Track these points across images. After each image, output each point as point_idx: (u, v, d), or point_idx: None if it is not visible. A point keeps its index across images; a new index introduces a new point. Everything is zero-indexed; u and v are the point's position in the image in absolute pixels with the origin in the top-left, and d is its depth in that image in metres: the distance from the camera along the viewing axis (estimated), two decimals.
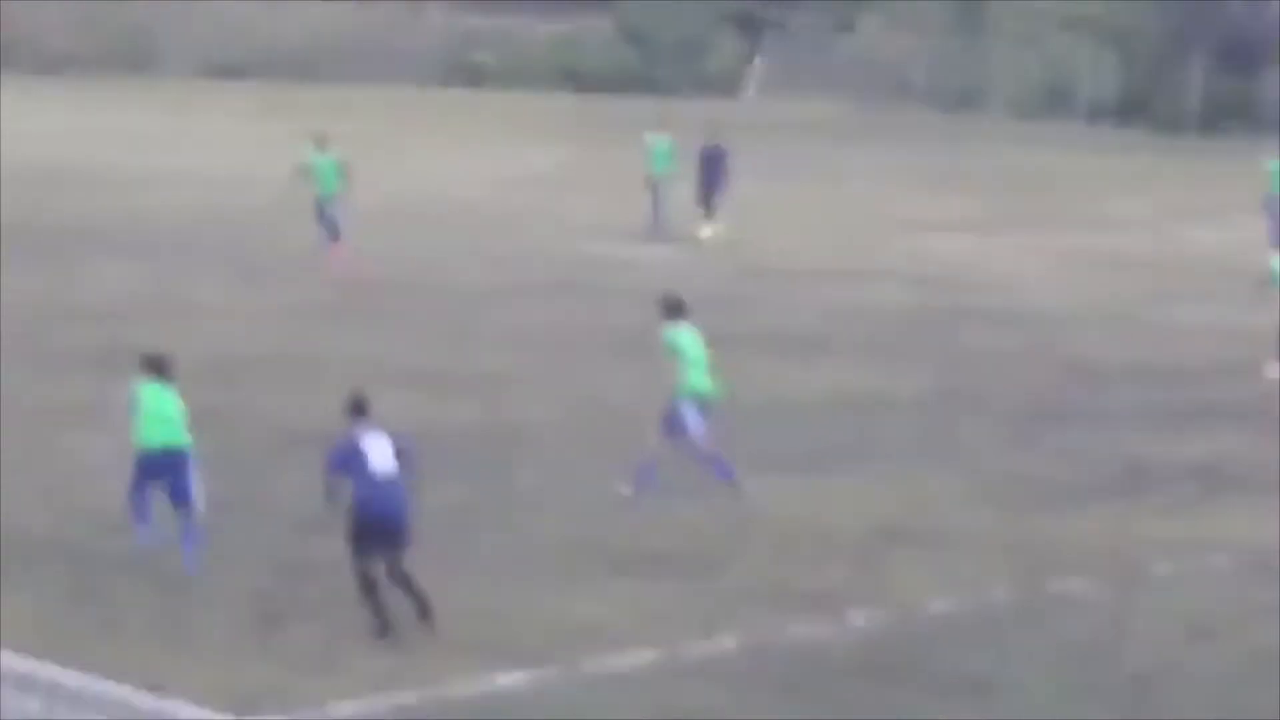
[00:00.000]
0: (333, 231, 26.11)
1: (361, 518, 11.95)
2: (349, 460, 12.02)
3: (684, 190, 30.31)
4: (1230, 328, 24.09)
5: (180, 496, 13.29)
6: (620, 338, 21.50)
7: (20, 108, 40.04)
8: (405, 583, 12.01)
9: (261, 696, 10.61)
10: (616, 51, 54.22)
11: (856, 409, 19.21)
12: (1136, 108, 51.71)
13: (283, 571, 13.36)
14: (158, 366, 13.89)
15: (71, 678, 9.73)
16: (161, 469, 13.40)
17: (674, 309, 15.79)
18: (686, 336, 15.64)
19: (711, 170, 29.43)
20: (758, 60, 55.14)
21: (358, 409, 12.33)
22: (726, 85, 53.39)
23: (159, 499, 13.41)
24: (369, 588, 11.90)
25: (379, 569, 11.91)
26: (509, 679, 11.33)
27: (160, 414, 13.43)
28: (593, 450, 17.00)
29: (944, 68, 53.57)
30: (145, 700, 9.64)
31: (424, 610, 11.97)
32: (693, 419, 15.22)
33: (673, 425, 15.32)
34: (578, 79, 51.41)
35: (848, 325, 23.99)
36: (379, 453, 11.96)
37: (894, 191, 36.77)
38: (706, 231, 29.13)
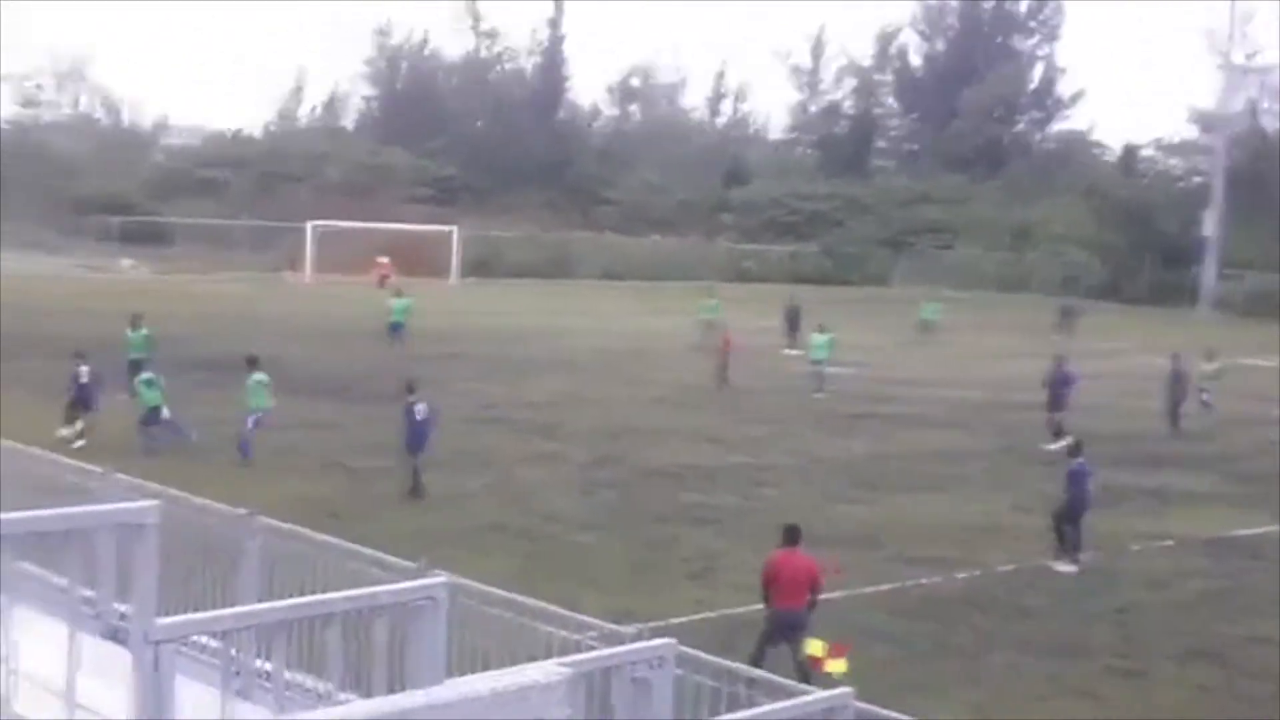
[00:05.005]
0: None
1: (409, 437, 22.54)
2: (407, 412, 22.77)
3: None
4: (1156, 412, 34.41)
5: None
6: (821, 418, 33.39)
7: (498, 299, 60.03)
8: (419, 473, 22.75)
9: (627, 614, 14.88)
10: (821, 262, 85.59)
11: (952, 458, 29.11)
12: (1113, 289, 76.35)
13: (644, 543, 20.79)
14: (254, 362, 25.74)
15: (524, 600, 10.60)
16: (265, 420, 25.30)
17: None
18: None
19: (795, 318, 47.33)
20: (900, 267, 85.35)
21: (410, 389, 23.21)
22: (883, 280, 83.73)
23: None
24: (415, 471, 22.52)
25: (417, 463, 22.30)
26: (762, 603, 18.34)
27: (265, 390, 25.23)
28: (807, 480, 26.21)
29: (1003, 266, 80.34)
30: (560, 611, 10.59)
31: (422, 491, 22.54)
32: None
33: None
34: (800, 277, 77.74)
35: (946, 411, 35.24)
36: (419, 410, 22.55)
37: (971, 336, 53.38)
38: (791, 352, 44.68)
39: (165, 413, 26.07)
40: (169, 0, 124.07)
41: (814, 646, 13.68)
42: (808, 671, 13.34)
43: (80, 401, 26.50)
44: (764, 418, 33.12)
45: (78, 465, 13.65)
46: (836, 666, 13.07)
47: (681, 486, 24.88)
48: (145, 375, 26.77)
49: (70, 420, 26.20)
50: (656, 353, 44.31)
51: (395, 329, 42.27)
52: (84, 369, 26.72)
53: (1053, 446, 29.65)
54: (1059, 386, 31.68)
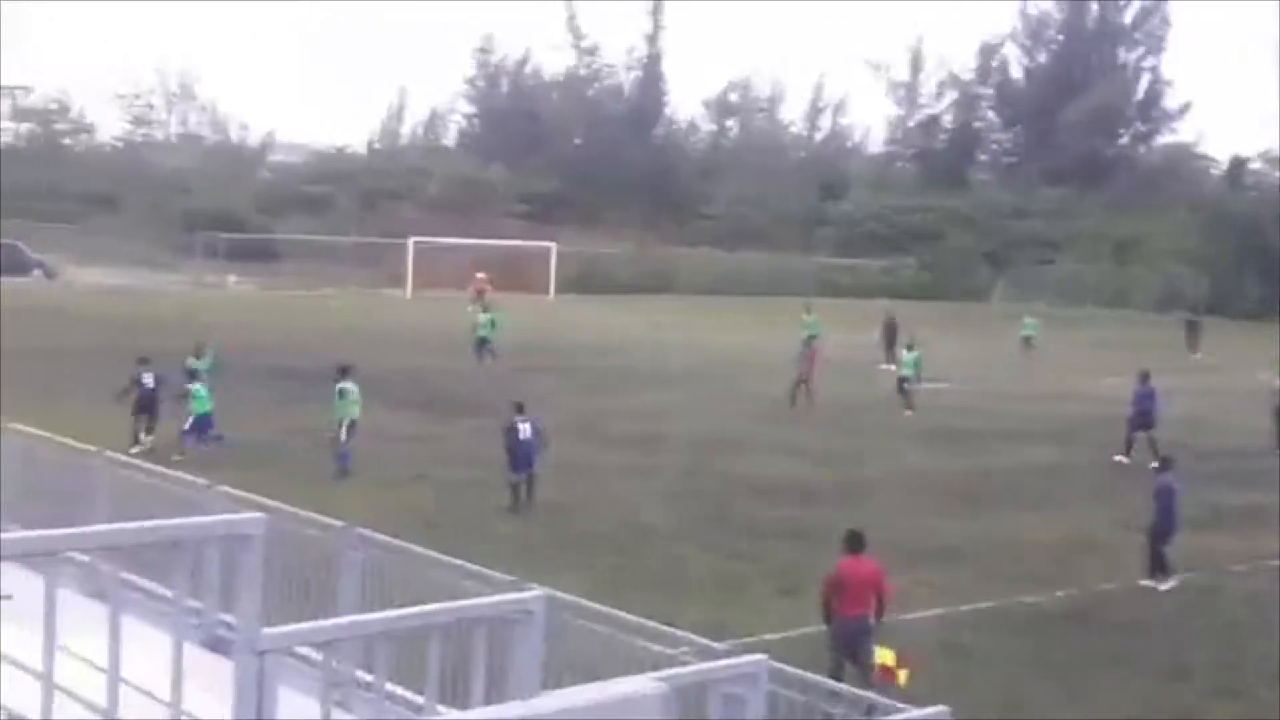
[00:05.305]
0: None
1: (512, 456, 22.56)
2: (510, 431, 22.81)
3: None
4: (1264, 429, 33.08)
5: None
6: (915, 432, 33.05)
7: (596, 313, 60.96)
8: (531, 488, 22.85)
9: (719, 627, 15.15)
10: (917, 276, 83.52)
11: (1051, 474, 28.78)
12: (1219, 304, 72.69)
13: (736, 556, 20.80)
14: (345, 371, 25.82)
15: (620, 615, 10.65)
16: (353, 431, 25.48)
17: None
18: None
19: (892, 333, 45.61)
20: (1000, 281, 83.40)
21: (519, 409, 23.22)
22: (982, 295, 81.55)
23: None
24: (516, 490, 22.61)
25: (520, 480, 22.53)
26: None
27: (351, 398, 25.27)
28: (901, 494, 25.95)
29: (1105, 282, 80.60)
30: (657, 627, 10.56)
31: (521, 507, 22.65)
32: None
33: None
34: (898, 291, 73.37)
35: (1044, 426, 34.72)
36: (524, 430, 22.58)
37: (1071, 351, 52.48)
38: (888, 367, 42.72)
39: (189, 421, 26.68)
40: (274, 18, 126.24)
41: (885, 655, 13.63)
42: (872, 680, 13.30)
43: (145, 407, 27.11)
44: (858, 432, 32.99)
45: (182, 477, 13.92)
46: (900, 675, 13.11)
47: (774, 500, 24.84)
48: (197, 386, 27.44)
49: (136, 437, 26.67)
50: (753, 367, 44.19)
51: (482, 344, 42.33)
52: (148, 375, 27.34)
53: (1120, 457, 30.28)
54: (1144, 401, 31.00)
